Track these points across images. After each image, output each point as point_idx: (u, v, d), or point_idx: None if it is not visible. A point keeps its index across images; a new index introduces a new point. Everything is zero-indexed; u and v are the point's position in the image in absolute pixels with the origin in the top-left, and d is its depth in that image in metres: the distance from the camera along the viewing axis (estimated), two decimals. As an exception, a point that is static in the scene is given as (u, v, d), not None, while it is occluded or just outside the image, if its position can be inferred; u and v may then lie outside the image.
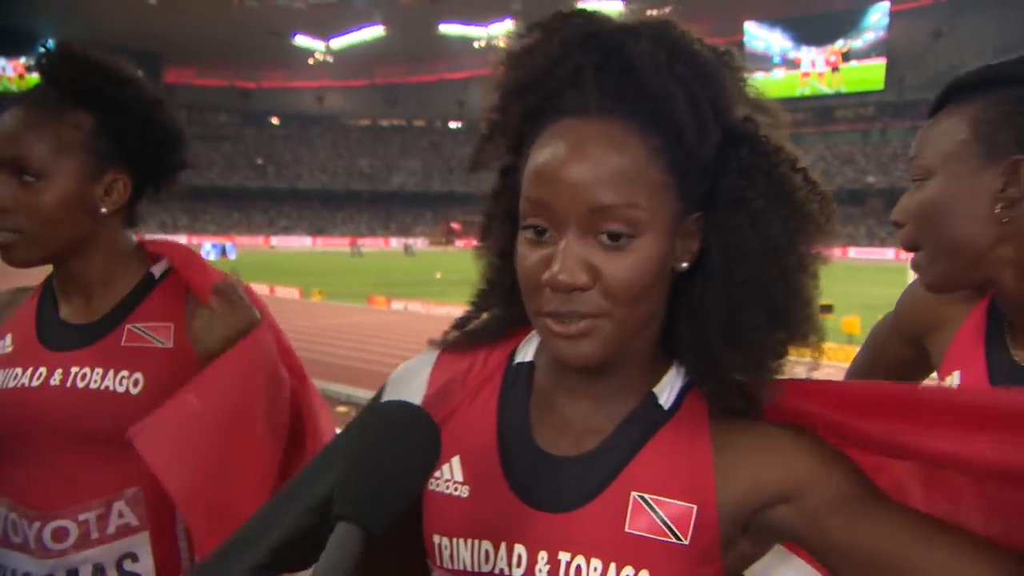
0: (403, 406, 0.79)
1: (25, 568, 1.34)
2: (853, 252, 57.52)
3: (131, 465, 1.33)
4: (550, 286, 0.78)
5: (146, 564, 1.37)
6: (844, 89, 72.90)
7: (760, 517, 0.85)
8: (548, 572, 0.83)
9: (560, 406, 0.90)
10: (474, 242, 0.99)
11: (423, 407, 0.85)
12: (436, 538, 0.89)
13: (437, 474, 0.90)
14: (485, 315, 0.98)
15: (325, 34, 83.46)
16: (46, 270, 1.48)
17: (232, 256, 48.06)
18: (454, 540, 0.87)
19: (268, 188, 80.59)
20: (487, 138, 0.90)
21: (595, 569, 0.82)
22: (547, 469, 0.87)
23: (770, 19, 74.61)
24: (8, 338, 1.42)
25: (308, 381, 1.49)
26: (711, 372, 0.85)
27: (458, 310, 1.02)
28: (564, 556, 0.83)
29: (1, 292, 1.54)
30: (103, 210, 1.39)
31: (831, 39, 72.88)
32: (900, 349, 1.45)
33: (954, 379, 1.28)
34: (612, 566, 0.81)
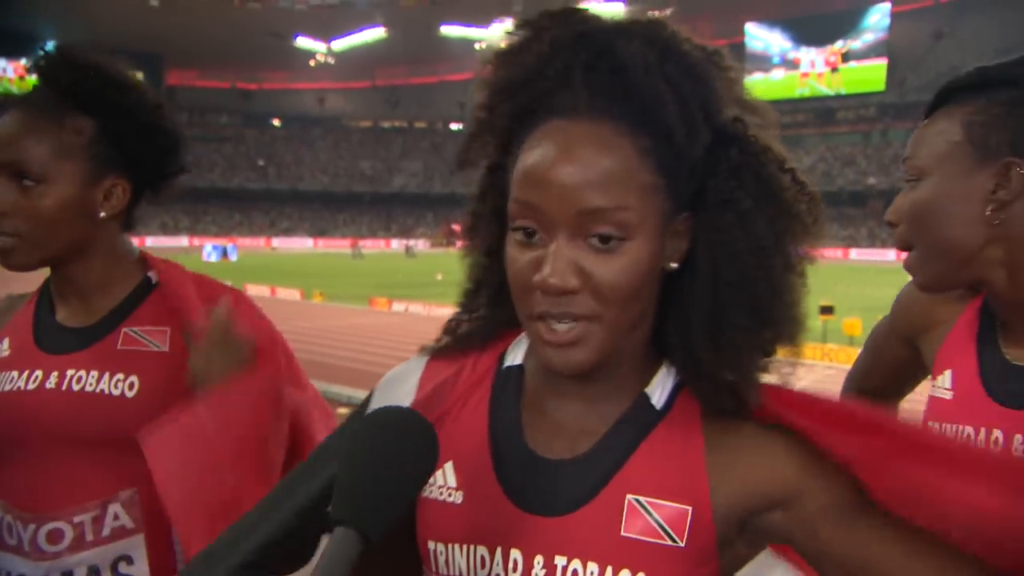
0: (401, 411, 0.79)
1: (20, 570, 1.34)
2: (854, 253, 57.54)
3: (127, 467, 1.34)
4: (541, 289, 0.78)
5: (141, 567, 1.37)
6: (843, 90, 72.95)
7: (756, 520, 0.85)
8: None
9: (552, 408, 0.90)
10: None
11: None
12: (431, 544, 0.88)
13: (430, 480, 0.88)
14: (474, 317, 0.97)
15: (326, 35, 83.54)
16: (44, 274, 1.48)
17: (233, 257, 48.11)
18: (449, 546, 0.87)
19: (269, 189, 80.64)
20: (475, 136, 0.89)
21: (591, 573, 0.82)
22: (540, 473, 0.86)
23: (771, 20, 74.66)
24: (5, 342, 1.42)
25: (309, 389, 1.48)
26: (698, 371, 0.86)
27: (459, 311, 1.02)
28: (560, 560, 0.83)
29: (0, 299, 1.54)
30: (102, 215, 1.39)
31: (830, 40, 72.93)
32: (898, 350, 1.46)
33: (945, 378, 1.28)
34: (609, 570, 0.81)
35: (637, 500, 0.83)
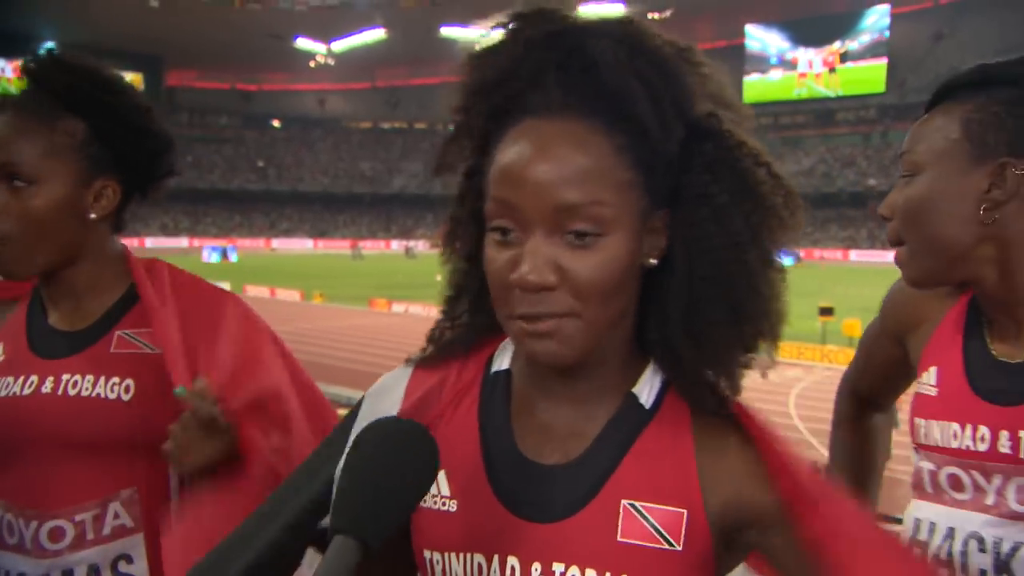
0: (402, 422, 0.79)
1: (20, 569, 1.34)
2: (854, 255, 57.61)
3: (126, 468, 1.34)
4: (519, 286, 0.78)
5: (140, 566, 1.37)
6: (841, 91, 73.03)
7: (738, 534, 0.85)
8: None
9: (541, 411, 0.89)
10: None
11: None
12: (427, 553, 0.88)
13: None
14: (456, 323, 0.96)
15: (326, 37, 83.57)
16: None
17: (233, 258, 48.10)
18: (446, 555, 0.87)
19: (269, 191, 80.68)
20: (452, 140, 0.89)
21: None
22: (534, 478, 0.86)
23: (771, 21, 74.72)
24: None
25: (295, 433, 1.41)
26: (679, 368, 0.86)
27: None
28: (558, 567, 0.82)
29: None
30: (92, 216, 1.39)
31: (828, 40, 73.03)
32: (889, 350, 1.46)
33: (931, 375, 1.28)
34: (607, 575, 0.81)
35: (632, 505, 0.83)
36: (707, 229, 0.82)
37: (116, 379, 1.36)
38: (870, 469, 1.59)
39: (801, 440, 13.62)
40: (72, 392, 1.35)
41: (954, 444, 1.20)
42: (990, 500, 1.16)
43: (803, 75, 74.60)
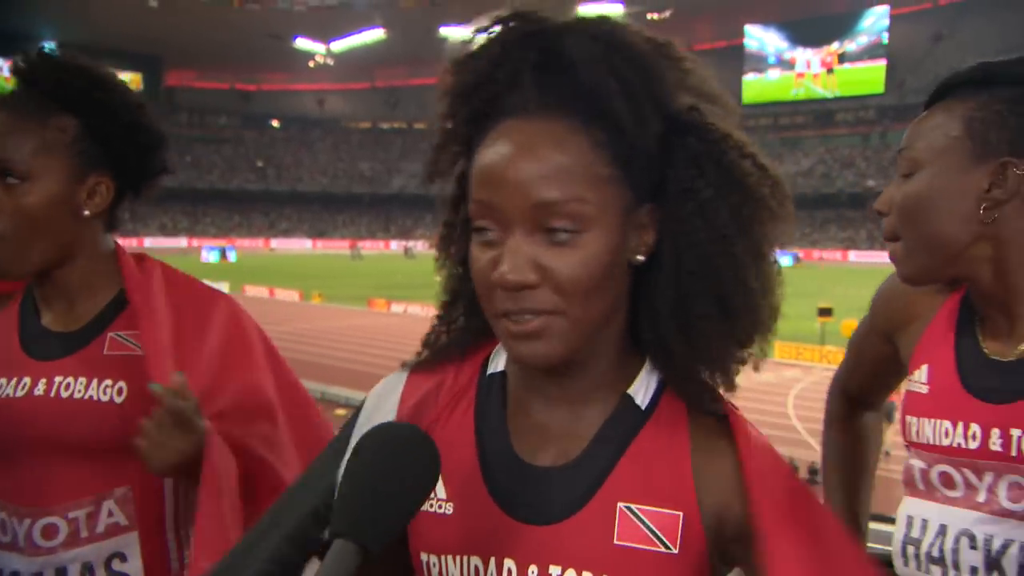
0: (403, 427, 0.80)
1: (13, 567, 1.34)
2: (853, 255, 57.67)
3: (119, 467, 1.33)
4: (500, 286, 0.79)
5: (135, 564, 1.37)
6: (839, 92, 73.09)
7: (726, 544, 0.85)
8: None
9: (536, 413, 0.89)
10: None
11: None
12: (424, 556, 0.88)
13: None
14: (452, 328, 0.96)
15: (325, 37, 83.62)
16: None
17: (232, 258, 48.11)
18: (443, 557, 0.87)
19: (268, 191, 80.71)
20: (441, 146, 0.89)
21: None
22: (530, 481, 0.86)
23: (771, 21, 74.80)
24: None
25: (280, 426, 1.44)
26: (672, 365, 0.86)
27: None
28: (555, 570, 0.82)
29: None
30: (86, 212, 1.38)
31: (826, 41, 73.12)
32: (878, 348, 1.45)
33: (922, 372, 1.27)
34: None
35: (628, 508, 0.83)
36: (693, 223, 0.82)
37: (109, 381, 1.36)
38: (862, 468, 1.59)
39: (799, 440, 13.64)
40: (65, 394, 1.35)
41: (945, 442, 1.20)
42: (981, 497, 1.16)
43: (800, 75, 74.71)
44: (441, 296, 0.97)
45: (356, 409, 0.99)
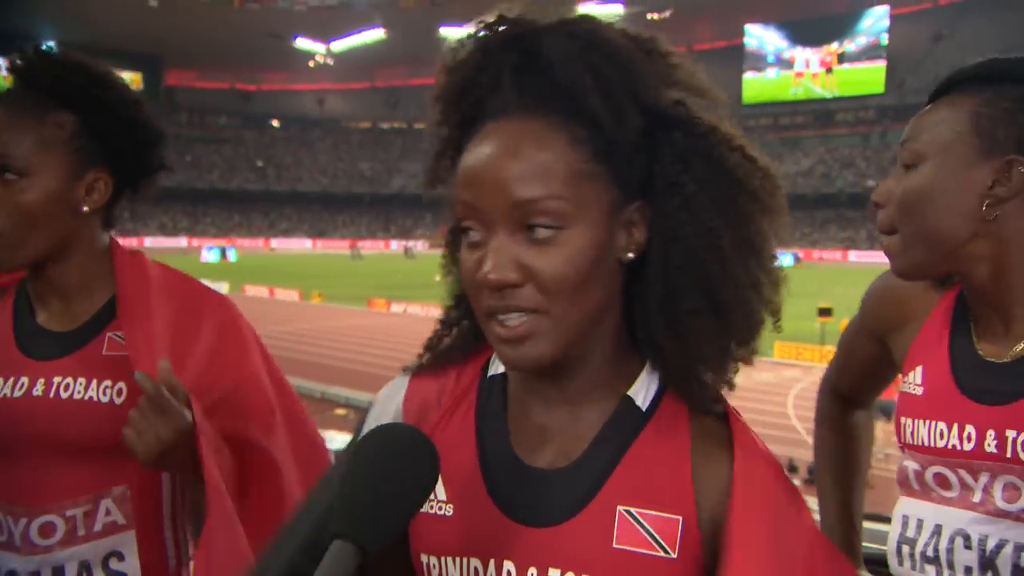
0: (402, 429, 0.80)
1: (10, 565, 1.34)
2: (853, 255, 57.64)
3: (117, 467, 1.33)
4: (483, 285, 0.79)
5: (132, 563, 1.37)
6: (838, 92, 73.03)
7: (719, 549, 0.84)
8: None
9: (536, 414, 0.89)
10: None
11: None
12: (424, 557, 0.88)
13: None
14: (454, 331, 0.97)
15: (326, 37, 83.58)
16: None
17: (232, 258, 48.09)
18: (442, 559, 0.87)
19: (268, 191, 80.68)
20: (440, 154, 0.90)
21: None
22: (530, 483, 0.86)
23: (771, 21, 74.77)
24: None
25: (277, 431, 1.45)
26: (665, 362, 0.85)
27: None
28: (554, 572, 0.82)
29: None
30: (84, 209, 1.38)
31: (825, 41, 73.06)
32: (868, 348, 1.45)
33: (916, 374, 1.27)
34: None
35: (628, 511, 0.82)
36: (679, 218, 0.81)
37: (108, 382, 1.35)
38: (855, 467, 1.59)
39: (799, 440, 13.64)
40: (64, 395, 1.34)
41: (940, 444, 1.20)
42: (977, 498, 1.16)
43: (799, 75, 74.66)
44: (445, 301, 0.98)
45: (360, 420, 1.00)
